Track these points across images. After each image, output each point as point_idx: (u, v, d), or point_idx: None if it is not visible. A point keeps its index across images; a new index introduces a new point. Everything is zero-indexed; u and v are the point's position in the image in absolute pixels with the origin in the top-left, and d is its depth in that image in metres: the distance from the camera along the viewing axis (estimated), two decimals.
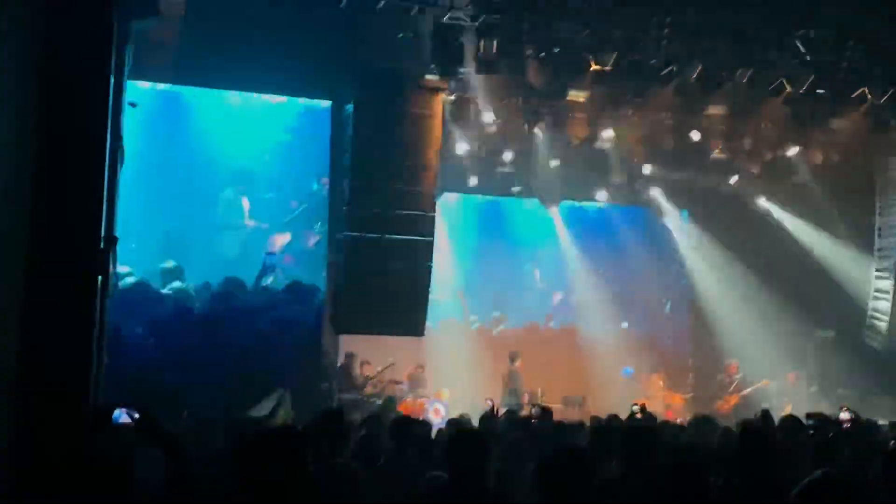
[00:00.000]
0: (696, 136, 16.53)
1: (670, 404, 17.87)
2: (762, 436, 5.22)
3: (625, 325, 19.92)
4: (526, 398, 16.28)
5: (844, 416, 9.80)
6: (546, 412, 10.14)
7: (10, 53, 6.21)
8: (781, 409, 16.24)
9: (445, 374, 17.22)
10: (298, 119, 16.65)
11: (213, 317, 13.59)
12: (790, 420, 8.58)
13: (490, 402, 12.05)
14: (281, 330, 13.49)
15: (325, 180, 16.64)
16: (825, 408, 11.64)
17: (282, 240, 16.86)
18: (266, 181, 17.16)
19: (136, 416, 4.82)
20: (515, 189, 18.76)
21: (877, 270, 17.45)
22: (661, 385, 18.40)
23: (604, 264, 19.74)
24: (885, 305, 17.08)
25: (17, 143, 6.16)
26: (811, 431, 8.60)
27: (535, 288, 20.49)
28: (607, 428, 7.15)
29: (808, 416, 9.12)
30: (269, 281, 15.16)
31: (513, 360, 16.91)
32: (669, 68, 14.34)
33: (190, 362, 12.32)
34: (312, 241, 17.21)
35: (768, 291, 18.16)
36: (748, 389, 17.56)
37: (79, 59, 6.38)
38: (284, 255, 17.00)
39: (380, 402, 15.13)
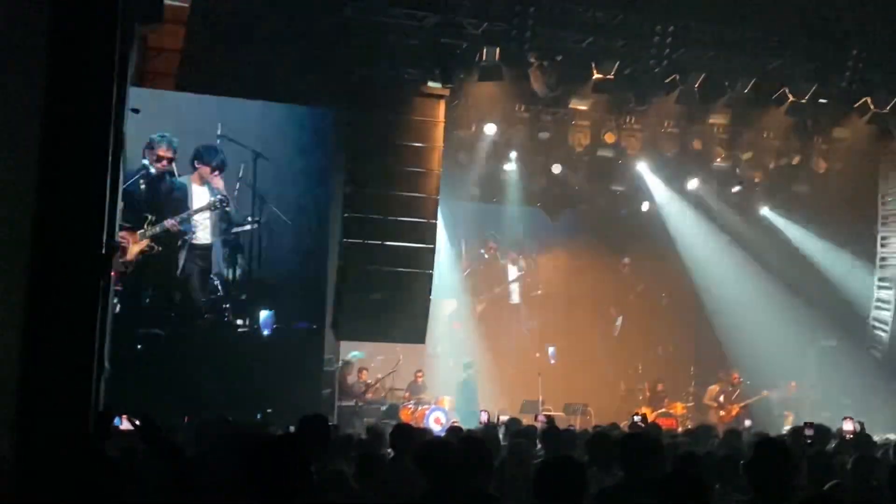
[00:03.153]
0: (698, 144, 16.54)
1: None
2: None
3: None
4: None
5: (848, 426, 9.74)
6: (550, 420, 10.27)
7: (14, 58, 6.23)
8: (783, 419, 16.25)
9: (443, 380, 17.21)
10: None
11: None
12: (788, 430, 8.56)
13: (485, 412, 12.03)
14: (282, 337, 13.46)
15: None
16: (827, 418, 11.58)
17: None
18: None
19: (137, 422, 4.82)
20: (517, 197, 18.74)
21: (879, 280, 17.42)
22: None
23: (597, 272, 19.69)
24: (886, 315, 17.05)
25: (20, 148, 6.18)
26: (809, 441, 8.58)
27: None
28: (607, 436, 7.15)
29: (806, 425, 9.07)
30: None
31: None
32: (672, 77, 14.37)
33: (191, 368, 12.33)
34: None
35: (770, 300, 18.12)
36: (750, 399, 17.51)
37: (83, 65, 6.40)
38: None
39: (384, 408, 15.13)
